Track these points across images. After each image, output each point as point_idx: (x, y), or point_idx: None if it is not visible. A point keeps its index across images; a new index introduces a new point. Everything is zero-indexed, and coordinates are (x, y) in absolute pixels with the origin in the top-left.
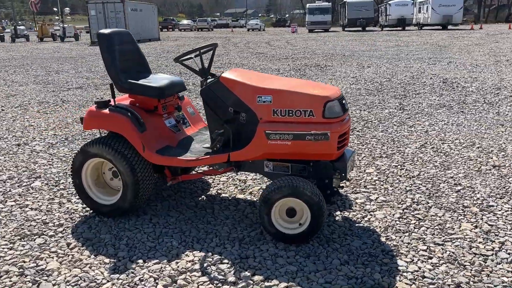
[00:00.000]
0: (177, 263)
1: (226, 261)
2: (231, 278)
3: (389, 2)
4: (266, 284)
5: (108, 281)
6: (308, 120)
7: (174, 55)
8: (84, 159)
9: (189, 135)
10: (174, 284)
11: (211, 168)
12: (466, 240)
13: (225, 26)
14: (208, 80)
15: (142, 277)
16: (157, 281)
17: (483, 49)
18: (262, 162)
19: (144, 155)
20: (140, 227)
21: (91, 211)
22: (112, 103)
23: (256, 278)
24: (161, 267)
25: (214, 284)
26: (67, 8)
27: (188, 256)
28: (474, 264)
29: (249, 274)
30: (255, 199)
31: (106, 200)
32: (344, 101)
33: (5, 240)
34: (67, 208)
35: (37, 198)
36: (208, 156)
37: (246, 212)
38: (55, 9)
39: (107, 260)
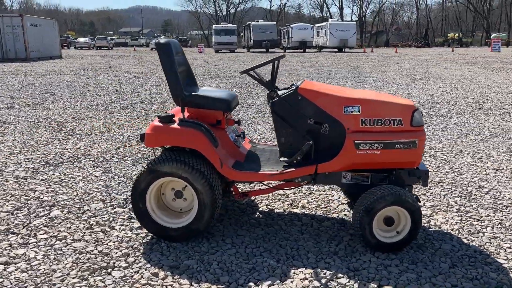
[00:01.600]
0: (292, 281)
1: (340, 275)
2: None
3: (291, 26)
4: None
5: None
6: (397, 129)
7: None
8: (152, 179)
9: (249, 149)
10: None
11: (281, 182)
12: None
13: (124, 45)
14: (280, 92)
15: None
16: None
17: (391, 69)
18: (339, 173)
19: (222, 172)
20: (219, 249)
21: (156, 236)
22: (176, 118)
23: None
24: None
25: None
26: None
27: (297, 274)
28: None
29: (375, 285)
30: (312, 213)
31: (174, 223)
32: (421, 111)
33: (74, 277)
34: (117, 236)
35: (70, 228)
36: (294, 169)
37: (315, 226)
38: None
39: (214, 287)
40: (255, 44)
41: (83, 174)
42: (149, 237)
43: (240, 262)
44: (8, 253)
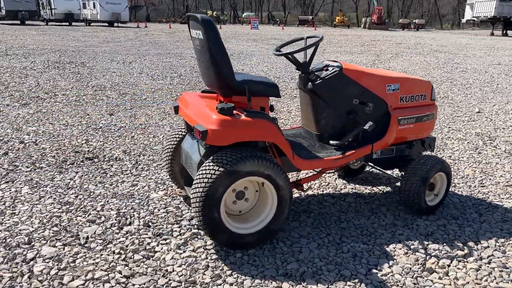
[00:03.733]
0: (401, 258)
1: (426, 242)
2: (474, 251)
3: None
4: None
5: None
6: (423, 103)
7: None
8: (231, 182)
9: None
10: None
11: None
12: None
13: None
14: (324, 74)
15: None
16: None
17: (190, 45)
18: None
19: (294, 162)
20: (300, 245)
21: (230, 248)
22: (233, 109)
23: (487, 252)
24: (413, 270)
25: (478, 262)
26: None
27: (396, 251)
28: None
29: (460, 244)
30: (325, 192)
31: (248, 228)
32: None
33: None
34: (173, 259)
35: (97, 263)
36: (354, 151)
37: (344, 204)
38: None
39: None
40: (9, 14)
41: (3, 193)
42: (211, 251)
43: (336, 253)
44: None
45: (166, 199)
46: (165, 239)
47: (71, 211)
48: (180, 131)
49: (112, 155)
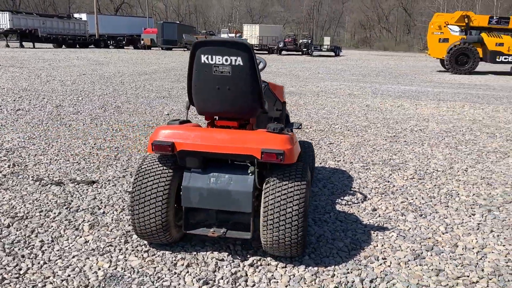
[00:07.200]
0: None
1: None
2: None
3: None
4: None
5: None
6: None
7: None
8: None
9: None
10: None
11: None
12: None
13: None
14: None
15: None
16: None
17: None
18: None
19: None
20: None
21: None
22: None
23: (381, 197)
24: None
25: (389, 208)
26: None
27: (361, 215)
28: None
29: (369, 204)
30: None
31: None
32: None
33: None
34: (291, 285)
35: None
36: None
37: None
38: None
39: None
40: None
41: None
42: (278, 271)
43: (346, 234)
44: None
45: (152, 261)
46: (246, 281)
47: None
48: (165, 172)
49: None
